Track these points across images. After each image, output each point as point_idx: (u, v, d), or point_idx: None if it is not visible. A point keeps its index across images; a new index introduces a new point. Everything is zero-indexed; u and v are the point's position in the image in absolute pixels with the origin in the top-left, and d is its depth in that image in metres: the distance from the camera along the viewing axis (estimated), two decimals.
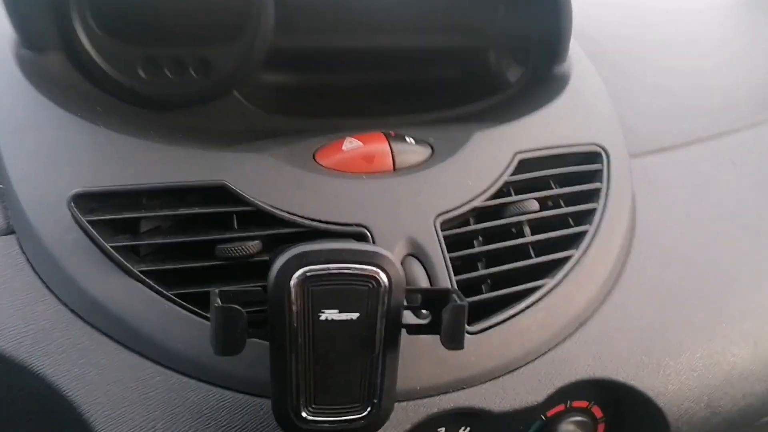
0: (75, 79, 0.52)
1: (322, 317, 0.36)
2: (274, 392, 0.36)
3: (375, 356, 0.37)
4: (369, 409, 0.37)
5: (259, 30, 0.53)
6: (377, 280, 0.36)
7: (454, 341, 0.36)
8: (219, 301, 0.34)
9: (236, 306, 0.34)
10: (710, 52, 0.74)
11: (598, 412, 0.50)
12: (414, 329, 0.39)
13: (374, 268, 0.36)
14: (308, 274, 0.35)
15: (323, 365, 0.36)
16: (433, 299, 0.38)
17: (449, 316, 0.36)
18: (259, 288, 0.37)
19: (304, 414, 0.36)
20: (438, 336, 0.37)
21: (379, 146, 0.48)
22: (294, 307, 0.35)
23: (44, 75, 0.50)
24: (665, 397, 0.48)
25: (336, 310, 0.36)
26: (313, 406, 0.37)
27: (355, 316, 0.36)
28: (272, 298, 0.35)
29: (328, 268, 0.35)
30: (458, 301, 0.36)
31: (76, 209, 0.41)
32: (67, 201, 0.40)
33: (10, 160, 0.44)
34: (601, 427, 0.51)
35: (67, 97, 0.48)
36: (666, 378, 0.48)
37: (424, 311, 0.41)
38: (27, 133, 0.45)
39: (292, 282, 0.35)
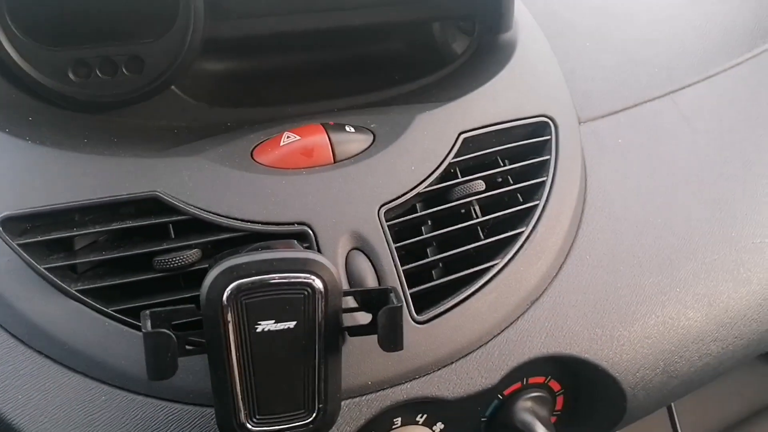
0: (2, 87, 0.50)
1: (259, 329, 0.35)
2: (217, 406, 0.36)
3: (316, 362, 0.37)
4: (315, 414, 0.37)
5: (190, 20, 0.51)
6: (312, 287, 0.35)
7: (391, 343, 0.36)
8: (149, 325, 0.34)
9: (164, 330, 0.33)
10: (661, 1, 0.73)
11: (555, 385, 0.50)
12: (355, 330, 0.38)
13: (308, 275, 0.35)
14: (240, 287, 0.34)
15: (264, 376, 0.36)
16: (371, 300, 0.38)
17: (384, 319, 0.36)
18: (192, 305, 0.36)
19: (249, 425, 0.36)
20: None
21: (317, 138, 0.47)
22: (229, 322, 0.35)
23: None
24: (620, 366, 0.48)
25: (272, 321, 0.35)
26: (257, 417, 0.37)
27: (292, 324, 0.36)
28: (206, 315, 0.35)
29: (261, 280, 0.35)
30: (394, 303, 0.36)
31: (5, 233, 0.40)
32: None
33: None
34: (559, 400, 0.51)
35: None
36: (620, 348, 0.48)
37: (362, 312, 0.41)
38: None
39: (225, 296, 0.34)
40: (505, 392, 0.48)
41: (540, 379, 0.49)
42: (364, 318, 0.42)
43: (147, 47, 0.52)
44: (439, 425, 0.48)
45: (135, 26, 0.51)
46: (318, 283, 0.35)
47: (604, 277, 0.50)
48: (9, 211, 0.40)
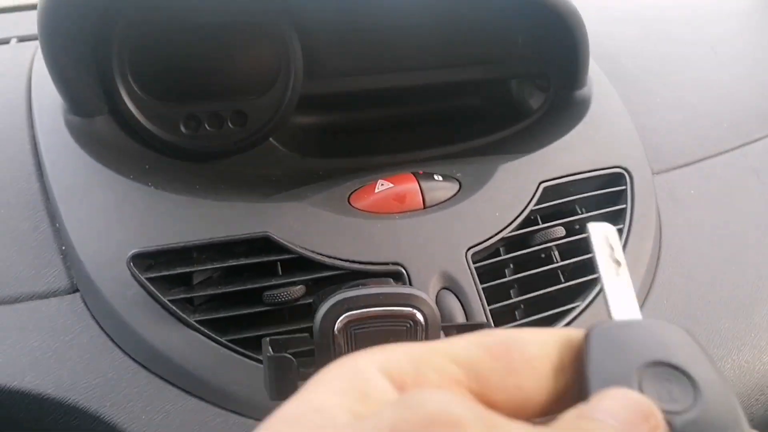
0: (122, 139, 0.56)
1: None
2: None
3: None
4: None
5: (290, 80, 0.56)
6: (414, 320, 0.39)
7: None
8: (270, 350, 0.38)
9: (286, 354, 0.37)
10: (730, 61, 0.75)
11: None
12: None
13: (411, 309, 0.38)
14: (350, 318, 0.38)
15: None
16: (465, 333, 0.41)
17: None
18: (306, 334, 0.40)
19: None
20: None
21: (409, 186, 0.51)
22: (339, 351, 0.38)
23: (93, 139, 0.53)
24: None
25: None
26: None
27: None
28: (319, 344, 0.38)
29: (368, 312, 0.38)
30: None
31: (134, 268, 0.44)
32: (126, 261, 0.44)
33: (70, 223, 0.48)
34: None
35: (116, 158, 0.52)
36: None
37: None
38: (83, 197, 0.49)
39: (336, 327, 0.38)
40: None
41: None
42: None
43: (251, 103, 0.57)
44: None
45: (241, 85, 0.57)
46: (420, 317, 0.39)
47: (680, 320, 0.52)
48: (137, 249, 0.45)
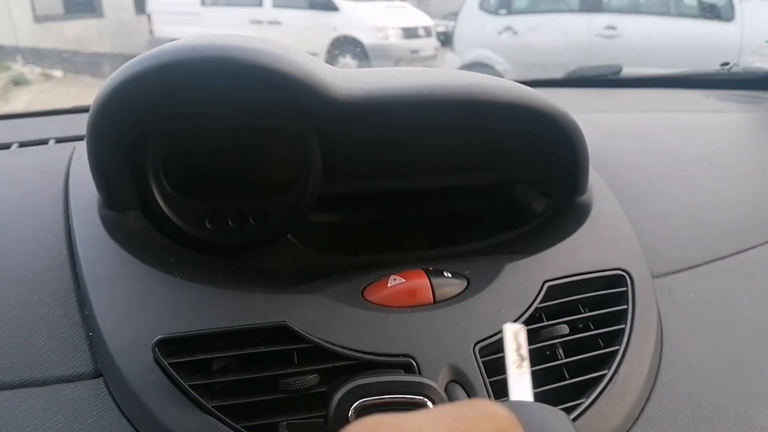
0: (150, 233, 0.59)
1: None
2: None
3: None
4: None
5: (309, 181, 0.60)
6: (425, 407, 0.40)
7: None
8: None
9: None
10: (725, 173, 0.80)
11: None
12: None
13: (421, 397, 0.41)
14: (364, 405, 0.40)
15: None
16: None
17: None
18: (321, 420, 0.41)
19: None
20: None
21: (420, 281, 0.54)
22: None
23: (125, 232, 0.57)
24: None
25: None
26: None
27: None
28: (333, 429, 0.40)
29: (381, 399, 0.40)
30: None
31: (159, 353, 0.46)
32: (152, 346, 0.46)
33: (100, 310, 0.51)
34: None
35: (145, 250, 0.55)
36: None
37: None
38: (113, 286, 0.52)
39: (350, 413, 0.40)
40: None
41: None
42: None
43: (272, 201, 0.61)
44: None
45: (263, 184, 0.61)
46: (430, 405, 0.40)
47: (684, 421, 0.53)
48: (162, 335, 0.47)
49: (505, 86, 0.58)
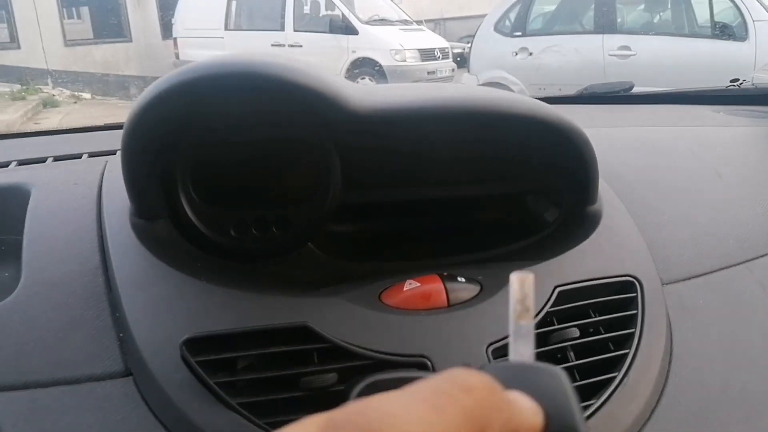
0: (178, 240, 0.62)
1: None
2: None
3: None
4: None
5: (329, 191, 0.63)
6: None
7: None
8: None
9: None
10: (734, 184, 0.81)
11: None
12: None
13: None
14: None
15: None
16: None
17: None
18: None
19: None
20: None
21: (434, 286, 0.56)
22: None
23: (154, 239, 0.60)
24: None
25: None
26: None
27: None
28: None
29: None
30: None
31: (186, 351, 0.49)
32: (180, 344, 0.49)
33: (130, 312, 0.54)
34: None
35: (173, 256, 0.58)
36: None
37: None
38: (143, 289, 0.55)
39: None
40: None
41: None
42: None
43: (294, 210, 0.64)
44: None
45: (285, 194, 0.63)
46: None
47: (694, 421, 0.54)
48: (191, 334, 0.50)
49: (518, 100, 0.60)
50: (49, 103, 6.33)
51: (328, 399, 0.49)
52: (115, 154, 0.83)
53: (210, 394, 0.49)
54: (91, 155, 0.84)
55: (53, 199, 0.67)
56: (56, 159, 0.83)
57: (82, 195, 0.67)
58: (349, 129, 0.58)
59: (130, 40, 9.01)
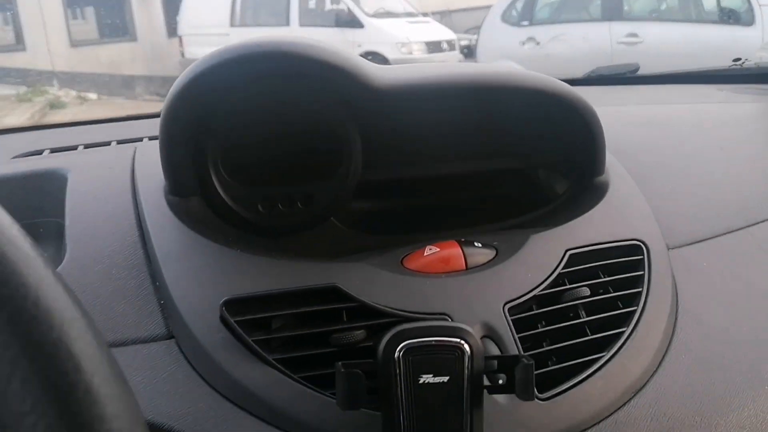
0: (209, 216, 0.66)
1: (421, 381, 0.46)
2: None
3: (464, 411, 0.46)
4: None
5: (350, 168, 0.67)
6: (462, 350, 0.46)
7: (526, 393, 0.46)
8: (342, 369, 0.45)
9: (357, 370, 0.45)
10: (736, 158, 0.84)
11: None
12: (493, 389, 0.48)
13: (459, 340, 0.46)
14: (408, 346, 0.46)
15: (424, 420, 0.46)
16: (506, 364, 0.48)
17: (521, 373, 0.46)
18: (371, 360, 0.48)
19: None
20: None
21: (453, 251, 0.60)
22: (399, 374, 0.46)
23: (188, 215, 0.64)
24: None
25: (431, 375, 0.46)
26: None
27: (446, 379, 0.46)
28: (382, 368, 0.46)
29: (424, 341, 0.46)
30: (527, 362, 0.46)
31: (226, 312, 0.53)
32: (220, 305, 0.53)
33: (170, 280, 0.58)
34: None
35: (207, 229, 0.62)
36: None
37: (499, 375, 0.50)
38: (181, 259, 0.59)
39: (396, 354, 0.46)
40: None
41: None
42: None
43: (317, 187, 0.67)
44: None
45: (310, 171, 0.67)
46: (466, 347, 0.46)
47: (699, 372, 0.58)
48: (230, 296, 0.54)
49: (531, 74, 0.64)
50: (55, 105, 6.38)
51: (357, 354, 0.53)
52: (141, 141, 0.88)
53: (248, 351, 0.53)
54: (120, 142, 0.88)
55: (90, 182, 0.71)
56: (87, 146, 0.87)
57: (116, 177, 0.71)
58: (370, 105, 0.62)
59: (136, 40, 9.07)
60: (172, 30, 8.64)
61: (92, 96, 6.90)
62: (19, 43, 7.92)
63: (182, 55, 7.98)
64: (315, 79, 0.59)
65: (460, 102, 0.63)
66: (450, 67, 0.64)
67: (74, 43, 8.52)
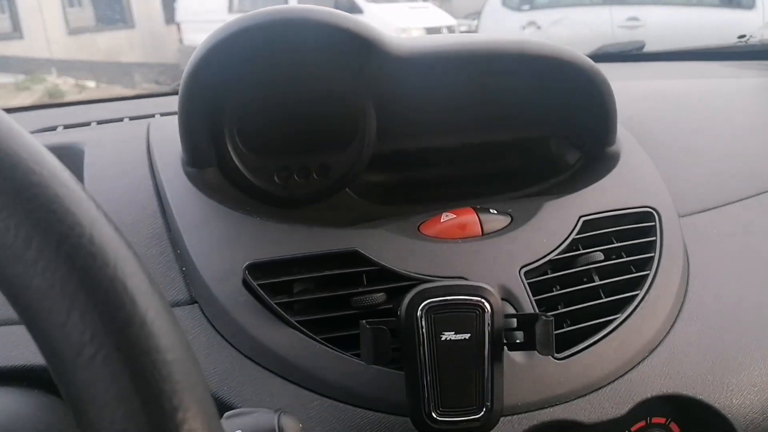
0: (226, 187, 0.67)
1: (443, 338, 0.47)
2: (411, 399, 0.47)
3: (485, 368, 0.48)
4: (484, 410, 0.48)
5: (365, 139, 0.68)
6: (482, 308, 0.47)
7: (546, 348, 0.47)
8: (367, 325, 0.47)
9: (382, 326, 0.46)
10: (745, 130, 0.85)
11: (675, 428, 0.58)
12: (513, 346, 0.49)
13: (480, 298, 0.47)
14: (430, 305, 0.47)
15: (446, 376, 0.47)
16: (526, 322, 0.49)
17: (541, 328, 0.47)
18: (394, 319, 0.49)
19: (434, 415, 0.47)
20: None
21: (469, 217, 0.61)
22: (421, 331, 0.47)
23: (206, 185, 0.65)
24: (731, 409, 0.56)
25: (453, 332, 0.47)
26: (441, 409, 0.47)
27: (467, 336, 0.47)
28: (404, 325, 0.47)
29: (445, 300, 0.47)
30: (546, 319, 0.48)
31: (249, 276, 0.54)
32: (243, 269, 0.54)
33: (192, 248, 0.59)
34: None
35: (226, 198, 0.63)
36: (731, 393, 0.56)
37: (518, 332, 0.51)
38: (201, 227, 0.60)
39: (419, 312, 0.47)
40: (632, 429, 0.56)
41: (662, 420, 0.57)
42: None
43: (333, 158, 0.68)
44: None
45: (325, 142, 0.68)
46: (487, 305, 0.47)
47: (710, 333, 0.59)
48: (252, 260, 0.55)
49: (546, 43, 0.65)
50: (53, 93, 6.35)
51: (377, 316, 0.55)
52: (153, 117, 0.88)
53: (271, 314, 0.54)
54: (132, 119, 0.89)
55: (107, 156, 0.72)
56: (99, 123, 0.88)
57: (132, 150, 0.72)
58: (387, 73, 0.63)
59: (134, 27, 9.03)
60: (170, 17, 8.61)
61: (90, 84, 6.87)
62: (16, 30, 7.88)
63: (180, 41, 7.96)
64: (334, 46, 0.59)
65: (475, 69, 0.64)
66: (466, 36, 0.65)
67: (72, 31, 8.49)
